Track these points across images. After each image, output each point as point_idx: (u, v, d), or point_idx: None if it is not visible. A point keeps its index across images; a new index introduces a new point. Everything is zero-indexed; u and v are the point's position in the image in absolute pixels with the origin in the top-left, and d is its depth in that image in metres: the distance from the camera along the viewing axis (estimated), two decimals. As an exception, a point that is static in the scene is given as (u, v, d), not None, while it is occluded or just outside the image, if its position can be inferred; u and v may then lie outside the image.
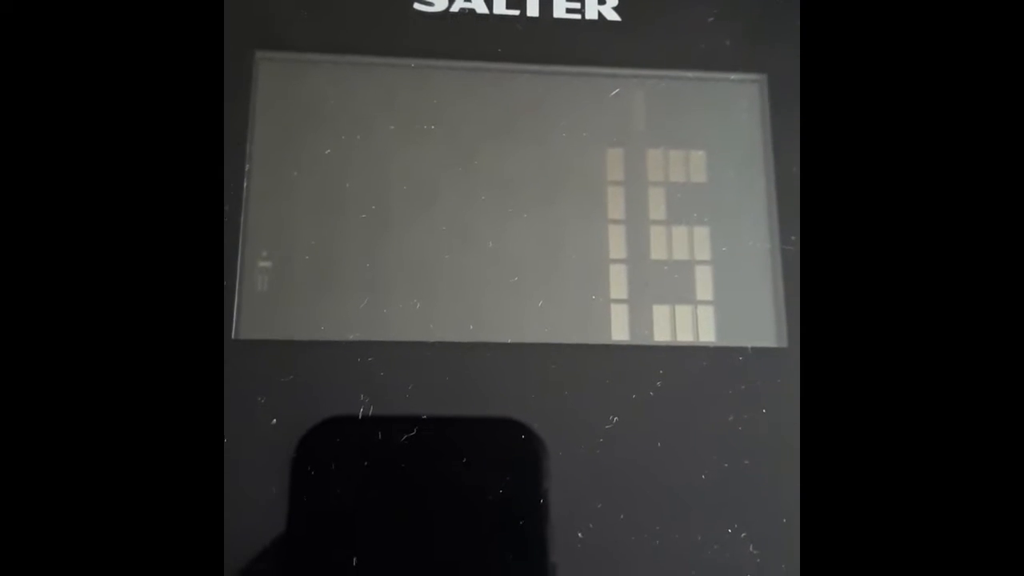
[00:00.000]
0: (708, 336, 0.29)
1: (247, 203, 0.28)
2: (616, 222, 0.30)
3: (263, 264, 0.28)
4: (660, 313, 0.29)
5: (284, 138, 0.29)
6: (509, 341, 0.28)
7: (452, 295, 0.28)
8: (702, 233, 0.30)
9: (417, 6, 0.31)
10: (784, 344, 0.29)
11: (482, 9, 0.31)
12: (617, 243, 0.30)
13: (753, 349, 0.29)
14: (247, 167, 0.29)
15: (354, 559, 0.25)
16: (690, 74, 0.31)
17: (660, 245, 0.30)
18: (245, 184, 0.28)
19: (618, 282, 0.29)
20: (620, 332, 0.29)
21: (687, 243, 0.30)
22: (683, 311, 0.29)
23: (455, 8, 0.31)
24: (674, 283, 0.29)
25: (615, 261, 0.30)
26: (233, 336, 0.27)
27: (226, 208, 0.28)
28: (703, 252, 0.30)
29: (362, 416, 0.27)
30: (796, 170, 0.30)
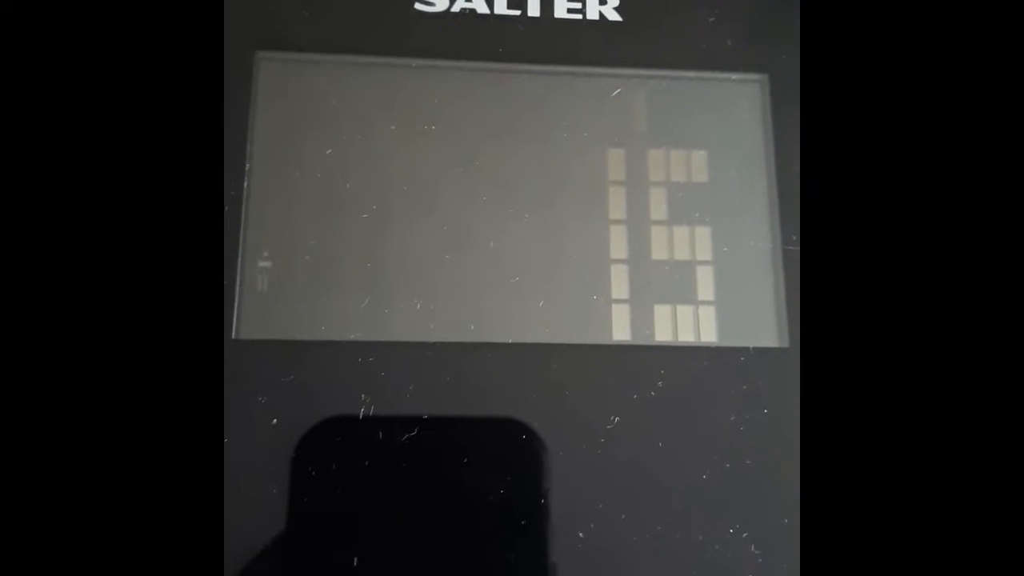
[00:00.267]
0: (709, 336, 0.29)
1: (247, 203, 0.28)
2: (617, 222, 0.30)
3: (263, 264, 0.28)
4: (661, 313, 0.29)
5: (285, 138, 0.29)
6: (510, 341, 0.28)
7: (453, 295, 0.28)
8: (703, 233, 0.30)
9: (418, 6, 0.31)
10: (785, 344, 0.29)
11: (483, 9, 0.31)
12: (618, 243, 0.30)
13: (754, 349, 0.29)
14: (247, 167, 0.29)
15: (355, 559, 0.25)
16: (691, 74, 0.31)
17: (661, 245, 0.30)
18: (245, 184, 0.28)
19: (619, 282, 0.29)
20: (621, 332, 0.29)
21: (688, 243, 0.30)
22: (684, 311, 0.29)
23: (456, 8, 0.31)
24: (675, 283, 0.29)
25: (616, 261, 0.30)
26: (233, 336, 0.27)
27: (226, 208, 0.28)
28: (704, 252, 0.30)
29: (363, 416, 0.27)
30: (797, 170, 0.30)
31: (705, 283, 0.30)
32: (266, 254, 0.28)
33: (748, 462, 0.27)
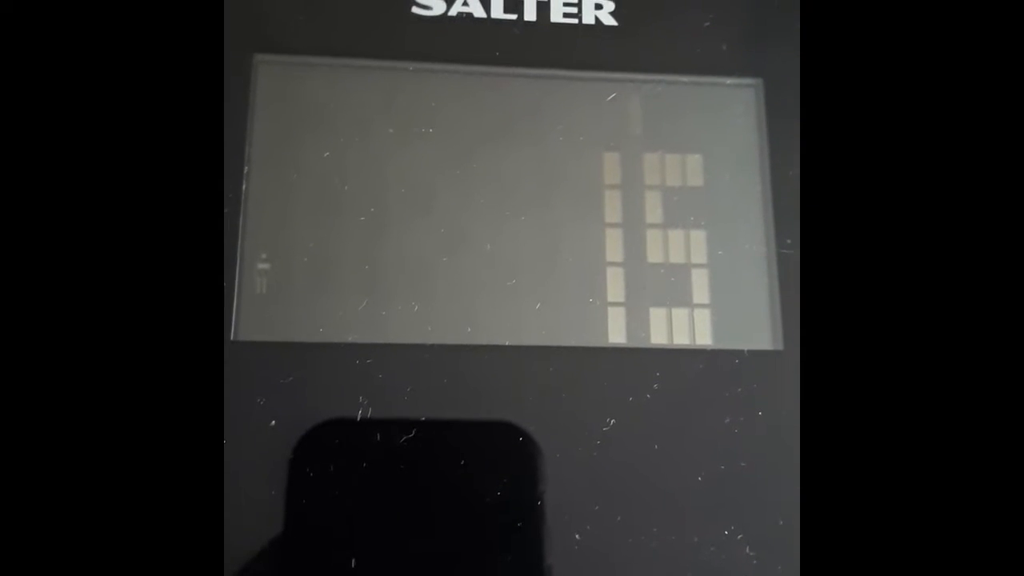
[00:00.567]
0: (705, 339, 0.29)
1: (246, 205, 0.28)
2: (613, 225, 0.30)
3: (262, 266, 0.28)
4: (657, 316, 0.29)
5: (283, 140, 0.29)
6: (506, 344, 0.28)
7: (450, 297, 0.29)
8: (699, 236, 0.30)
9: (415, 10, 0.31)
10: (780, 347, 0.29)
11: (480, 13, 0.31)
12: (614, 246, 0.30)
13: (749, 352, 0.29)
14: (246, 169, 0.29)
15: (352, 560, 0.25)
16: (686, 78, 0.32)
17: (657, 248, 0.30)
18: (244, 186, 0.29)
19: (615, 285, 0.29)
20: (617, 335, 0.29)
21: (684, 246, 0.30)
22: (680, 314, 0.29)
23: (453, 12, 0.31)
24: (671, 286, 0.30)
25: (612, 264, 0.30)
26: (232, 338, 0.27)
27: (225, 210, 0.28)
28: (699, 255, 0.30)
29: (361, 418, 0.27)
30: (792, 174, 0.30)
31: (700, 286, 0.30)
32: (264, 256, 0.28)
33: (743, 464, 0.27)
